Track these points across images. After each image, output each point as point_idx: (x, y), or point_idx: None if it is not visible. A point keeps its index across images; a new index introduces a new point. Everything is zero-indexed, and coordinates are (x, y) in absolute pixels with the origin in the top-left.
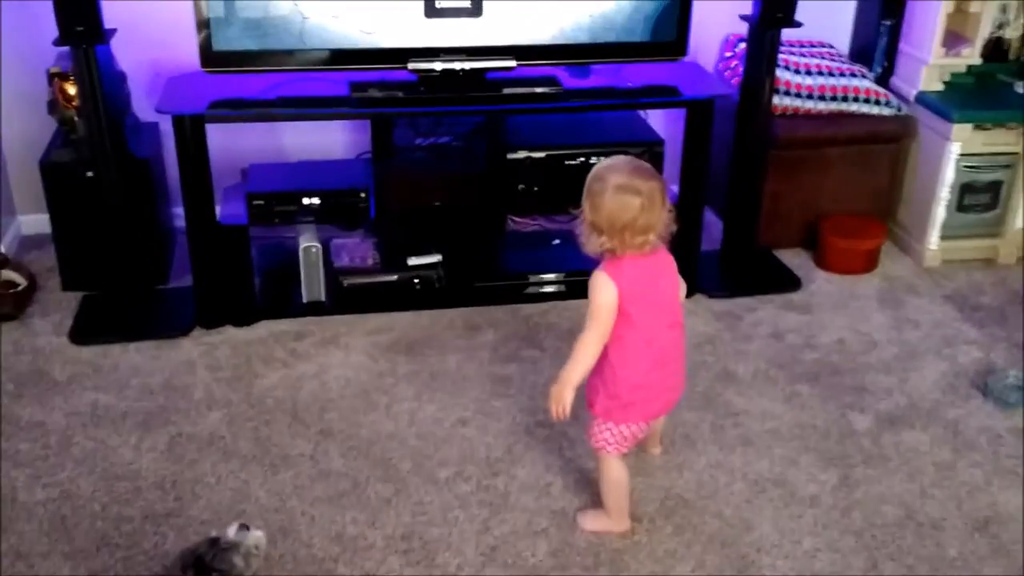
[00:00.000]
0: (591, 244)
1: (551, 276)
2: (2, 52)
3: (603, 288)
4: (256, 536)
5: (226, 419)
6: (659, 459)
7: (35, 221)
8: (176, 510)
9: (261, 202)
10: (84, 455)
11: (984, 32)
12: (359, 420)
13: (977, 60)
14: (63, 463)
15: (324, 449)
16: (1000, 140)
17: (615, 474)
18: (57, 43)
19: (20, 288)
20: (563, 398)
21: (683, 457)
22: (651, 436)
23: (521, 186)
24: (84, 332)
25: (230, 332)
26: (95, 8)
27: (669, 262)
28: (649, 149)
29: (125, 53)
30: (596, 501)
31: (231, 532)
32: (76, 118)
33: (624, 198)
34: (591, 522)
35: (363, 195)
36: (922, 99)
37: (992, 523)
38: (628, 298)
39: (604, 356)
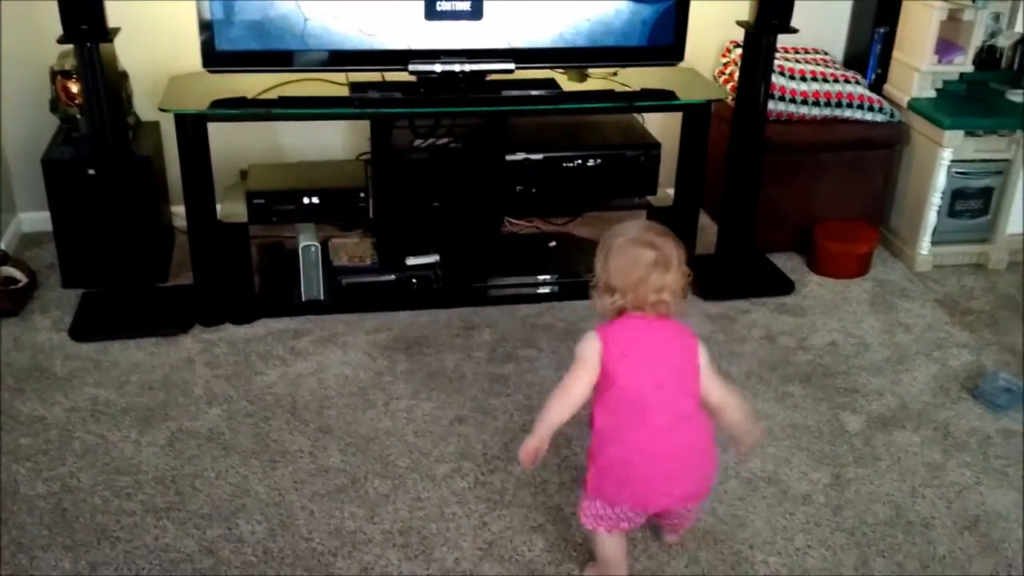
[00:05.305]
0: (602, 304)
1: (547, 277)
2: (4, 49)
3: (585, 340)
4: None
5: (225, 415)
6: None
7: (36, 218)
8: (176, 504)
9: (261, 201)
10: (85, 450)
11: (977, 40)
12: (357, 417)
13: (969, 68)
14: (64, 457)
15: (323, 445)
16: (991, 147)
17: (607, 553)
18: (61, 41)
19: (20, 285)
20: (528, 448)
21: None
22: (669, 522)
23: (519, 188)
24: (84, 329)
25: (229, 330)
26: (99, 6)
27: (683, 338)
28: (646, 152)
29: (127, 52)
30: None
31: None
32: (78, 116)
33: (638, 250)
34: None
35: (362, 195)
36: (915, 106)
37: (981, 522)
38: (614, 357)
39: (593, 426)
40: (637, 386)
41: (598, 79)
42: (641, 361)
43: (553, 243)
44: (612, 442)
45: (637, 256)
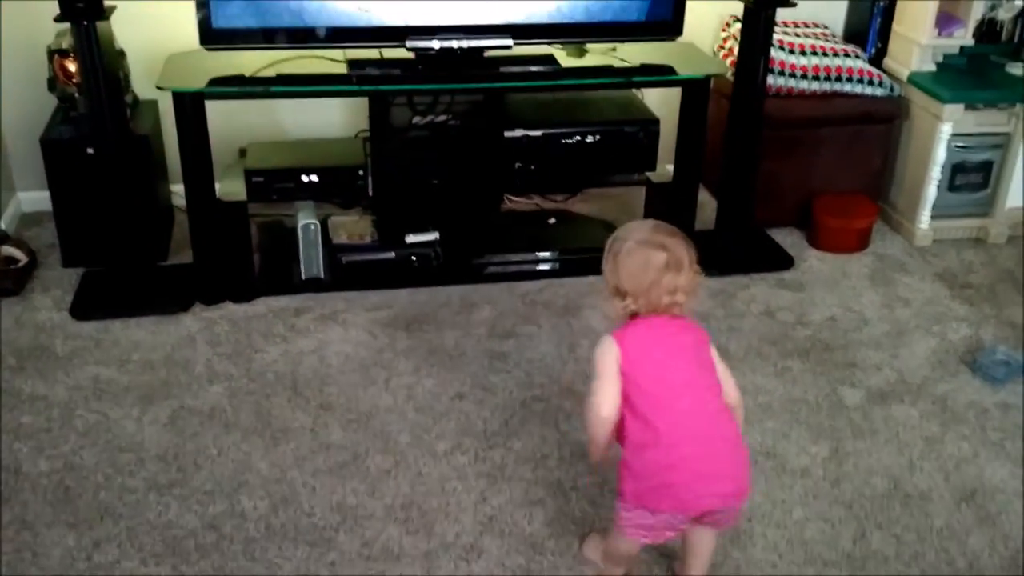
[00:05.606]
0: (613, 309)
1: (547, 254)
2: (2, 29)
3: (603, 347)
4: None
5: (227, 393)
6: None
7: (35, 198)
8: (179, 481)
9: (260, 179)
10: (87, 428)
11: (977, 13)
12: (358, 394)
13: (970, 41)
14: (66, 435)
15: (324, 422)
16: (991, 120)
17: (623, 551)
18: (58, 19)
19: (21, 264)
20: (594, 459)
21: None
22: (692, 565)
23: (518, 165)
24: (85, 308)
25: (230, 308)
26: None
27: (697, 334)
28: (645, 128)
29: (124, 30)
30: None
31: None
32: (76, 95)
33: (648, 252)
34: (591, 550)
35: (361, 173)
36: (915, 80)
37: (978, 494)
38: (634, 360)
39: (625, 434)
40: (664, 387)
41: (597, 55)
42: (662, 361)
43: (552, 220)
44: (649, 447)
45: (647, 259)
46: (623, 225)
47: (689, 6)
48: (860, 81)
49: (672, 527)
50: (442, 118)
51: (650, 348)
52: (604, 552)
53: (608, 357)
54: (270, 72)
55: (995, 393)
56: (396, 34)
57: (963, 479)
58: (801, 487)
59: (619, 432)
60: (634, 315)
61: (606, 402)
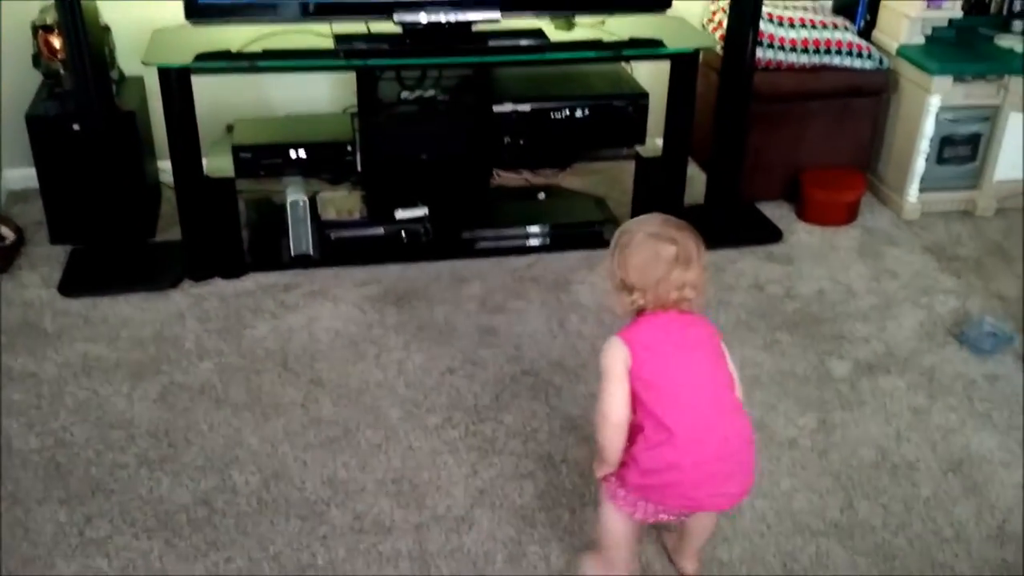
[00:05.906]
0: (620, 304)
1: (536, 229)
2: None
3: (610, 348)
4: None
5: (217, 369)
6: None
7: (22, 175)
8: (170, 456)
9: (248, 155)
10: (77, 404)
11: None
12: (349, 370)
13: (959, 13)
14: (56, 412)
15: (315, 397)
16: (980, 93)
17: (614, 523)
18: None
19: (8, 242)
20: (601, 473)
21: None
22: (688, 543)
23: (507, 139)
24: (73, 285)
25: (219, 284)
26: None
27: (708, 331)
28: (634, 102)
29: (109, 5)
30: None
31: None
32: (61, 71)
33: (658, 246)
34: (588, 566)
35: (349, 148)
36: (903, 52)
37: (965, 464)
38: (644, 360)
39: (637, 428)
40: (676, 385)
41: (585, 28)
42: (674, 358)
43: (542, 195)
44: (661, 446)
45: (657, 252)
46: (630, 219)
47: None
48: (849, 54)
49: (673, 516)
50: (430, 93)
51: (660, 345)
52: (602, 554)
53: (616, 359)
54: (256, 47)
55: (982, 364)
56: (383, 8)
57: (950, 449)
58: (789, 458)
59: (628, 429)
60: (641, 311)
61: (615, 406)
